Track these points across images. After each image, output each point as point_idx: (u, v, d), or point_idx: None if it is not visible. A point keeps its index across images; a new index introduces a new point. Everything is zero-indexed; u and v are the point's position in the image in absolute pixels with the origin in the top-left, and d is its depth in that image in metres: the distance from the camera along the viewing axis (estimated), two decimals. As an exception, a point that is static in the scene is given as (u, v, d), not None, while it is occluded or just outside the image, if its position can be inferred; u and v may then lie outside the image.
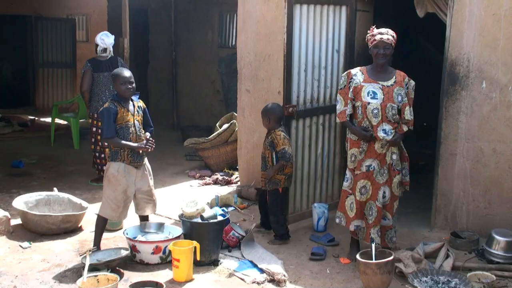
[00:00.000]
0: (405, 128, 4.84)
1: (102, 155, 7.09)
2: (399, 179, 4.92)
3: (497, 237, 5.04)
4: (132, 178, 4.98)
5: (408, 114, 4.84)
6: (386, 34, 4.81)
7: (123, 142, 4.89)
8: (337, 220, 5.10)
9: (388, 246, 4.97)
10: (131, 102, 5.01)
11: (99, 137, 6.95)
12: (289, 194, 5.74)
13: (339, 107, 4.99)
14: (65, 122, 10.08)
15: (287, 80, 5.53)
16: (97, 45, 7.16)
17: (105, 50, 7.14)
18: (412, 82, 4.92)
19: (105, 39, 7.12)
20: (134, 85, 4.97)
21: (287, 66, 5.50)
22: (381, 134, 4.77)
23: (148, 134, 5.09)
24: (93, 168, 7.40)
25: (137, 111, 5.05)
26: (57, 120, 9.97)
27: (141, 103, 5.13)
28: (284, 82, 5.52)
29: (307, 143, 5.85)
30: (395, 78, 4.86)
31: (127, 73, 4.97)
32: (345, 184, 5.03)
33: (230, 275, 4.77)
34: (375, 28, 4.90)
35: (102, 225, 5.08)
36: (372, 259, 4.34)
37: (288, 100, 5.56)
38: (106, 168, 5.03)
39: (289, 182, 5.49)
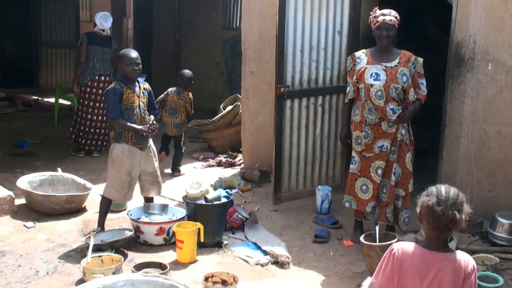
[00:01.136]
0: (410, 97, 4.82)
1: (81, 127, 7.65)
2: (412, 154, 4.93)
3: (501, 219, 5.04)
4: (136, 159, 4.98)
5: (412, 95, 4.82)
6: (389, 15, 4.77)
7: (128, 124, 4.87)
8: (347, 204, 5.08)
9: (401, 228, 4.99)
10: (137, 84, 4.99)
11: (85, 109, 7.58)
12: (283, 172, 5.90)
13: (348, 89, 5.00)
14: (69, 103, 10.06)
15: (279, 60, 5.59)
16: (95, 24, 7.59)
17: (102, 30, 7.55)
18: (420, 59, 4.89)
19: (104, 23, 7.54)
20: (140, 66, 4.95)
21: (279, 46, 5.55)
22: (390, 113, 4.76)
23: (152, 117, 5.08)
24: (69, 139, 7.81)
25: (143, 93, 5.03)
26: (61, 101, 9.97)
27: (147, 85, 5.11)
28: (276, 62, 5.57)
29: (303, 123, 5.92)
30: (400, 59, 4.83)
31: (134, 53, 4.94)
32: (353, 167, 5.02)
33: (234, 256, 4.79)
34: (378, 10, 4.87)
35: (107, 206, 5.09)
36: (376, 242, 4.35)
37: (281, 80, 5.59)
38: (110, 149, 5.03)
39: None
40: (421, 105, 4.91)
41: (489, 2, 5.27)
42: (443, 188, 2.77)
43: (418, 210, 2.80)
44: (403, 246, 2.82)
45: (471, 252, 4.76)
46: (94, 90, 7.54)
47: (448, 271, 2.72)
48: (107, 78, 7.54)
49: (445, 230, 2.73)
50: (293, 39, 5.67)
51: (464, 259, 2.77)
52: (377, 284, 2.89)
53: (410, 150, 4.91)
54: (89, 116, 7.64)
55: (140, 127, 4.91)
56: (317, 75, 5.90)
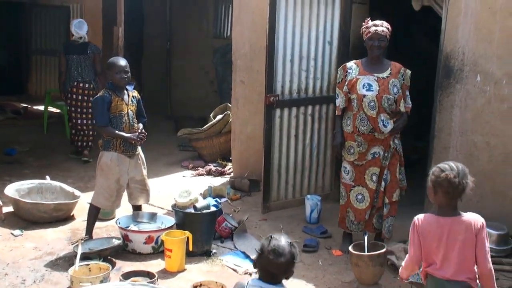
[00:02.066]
0: (402, 109, 4.86)
1: (73, 131, 7.94)
2: (402, 165, 4.96)
3: (488, 230, 5.03)
4: (125, 167, 4.96)
5: (403, 107, 4.85)
6: (381, 26, 4.81)
7: (116, 132, 4.86)
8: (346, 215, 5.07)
9: (385, 236, 5.01)
10: (125, 92, 4.98)
11: (73, 114, 7.82)
12: (272, 181, 5.92)
13: (338, 101, 4.99)
14: (58, 110, 10.03)
15: (269, 70, 5.60)
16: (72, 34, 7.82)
17: (80, 37, 7.73)
18: (408, 72, 4.94)
19: (78, 31, 7.73)
20: (129, 74, 4.94)
21: (269, 56, 5.56)
22: (381, 126, 4.78)
23: (140, 125, 5.07)
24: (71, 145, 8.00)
25: (131, 101, 5.02)
26: (50, 108, 9.92)
27: (135, 93, 5.10)
28: (266, 72, 5.59)
29: (293, 132, 5.95)
30: (391, 70, 4.87)
31: (122, 62, 4.93)
32: (346, 177, 5.02)
33: (223, 265, 4.78)
34: (370, 20, 4.90)
35: (95, 214, 5.07)
36: (364, 251, 4.35)
37: (270, 90, 5.61)
38: (99, 157, 5.01)
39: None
40: (408, 116, 4.94)
41: (478, 14, 5.31)
42: (452, 164, 3.27)
43: (430, 186, 3.24)
44: (421, 217, 3.29)
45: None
46: (74, 96, 7.80)
47: (460, 231, 3.16)
48: (86, 85, 7.75)
49: (457, 197, 3.20)
50: (283, 49, 5.70)
51: (473, 218, 3.22)
52: (412, 255, 3.30)
53: (400, 160, 4.95)
54: (78, 121, 7.84)
55: (128, 135, 4.90)
56: (307, 85, 5.92)
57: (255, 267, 2.97)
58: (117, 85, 4.91)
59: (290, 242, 2.91)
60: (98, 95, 4.95)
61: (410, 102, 4.96)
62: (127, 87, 5.00)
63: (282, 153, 5.92)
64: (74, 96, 7.79)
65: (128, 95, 5.00)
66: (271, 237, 2.90)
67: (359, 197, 4.95)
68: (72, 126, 7.99)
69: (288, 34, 5.70)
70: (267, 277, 2.89)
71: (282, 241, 2.87)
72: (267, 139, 5.75)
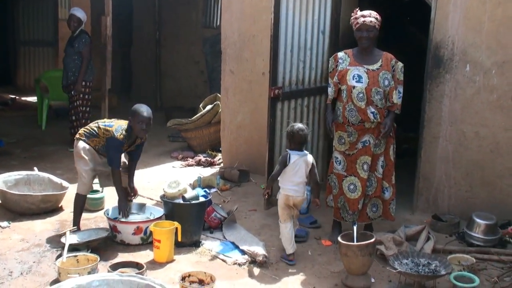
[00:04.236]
0: (395, 100, 4.83)
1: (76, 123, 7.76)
2: (394, 145, 4.96)
3: (477, 220, 5.07)
4: (97, 159, 5.02)
5: (396, 97, 4.82)
6: (369, 17, 4.76)
7: (117, 186, 4.92)
8: (339, 205, 5.06)
9: (392, 218, 5.06)
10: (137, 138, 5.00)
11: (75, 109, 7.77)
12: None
13: (330, 90, 4.97)
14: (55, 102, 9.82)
15: (273, 61, 5.39)
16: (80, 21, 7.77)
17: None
18: (400, 64, 4.87)
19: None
20: (150, 126, 4.89)
21: (273, 47, 5.36)
22: (371, 116, 4.77)
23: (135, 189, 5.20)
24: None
25: (136, 146, 5.06)
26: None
27: (142, 140, 5.08)
28: (270, 64, 5.38)
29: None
30: (382, 61, 4.82)
31: (147, 114, 4.83)
32: (338, 167, 5.01)
33: (212, 256, 4.76)
34: (359, 11, 4.85)
35: (81, 204, 5.04)
36: (353, 241, 4.35)
37: (274, 82, 5.48)
38: (75, 145, 5.00)
39: None
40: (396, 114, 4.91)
41: (467, 4, 5.30)
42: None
43: None
44: None
45: (448, 252, 4.80)
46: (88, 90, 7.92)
47: None
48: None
49: None
50: (284, 39, 5.50)
51: None
52: None
53: (393, 142, 4.94)
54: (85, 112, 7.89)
55: (121, 198, 4.97)
56: (303, 76, 5.79)
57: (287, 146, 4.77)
58: (134, 134, 4.89)
59: (305, 123, 5.04)
60: (117, 137, 4.81)
61: (400, 100, 4.84)
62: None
63: (281, 147, 5.78)
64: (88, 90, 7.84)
65: (135, 142, 5.00)
66: (292, 124, 4.73)
67: (351, 187, 4.94)
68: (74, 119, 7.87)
69: (289, 24, 5.51)
70: (298, 147, 4.64)
71: (300, 124, 4.73)
72: (271, 134, 5.53)
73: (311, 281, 4.39)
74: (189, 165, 7.50)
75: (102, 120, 5.09)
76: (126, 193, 5.14)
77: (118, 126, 4.86)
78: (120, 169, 4.97)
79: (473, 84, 5.38)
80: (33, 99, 10.60)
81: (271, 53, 5.37)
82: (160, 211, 5.12)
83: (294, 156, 4.60)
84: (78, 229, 4.94)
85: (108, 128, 4.85)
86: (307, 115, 5.94)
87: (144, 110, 4.82)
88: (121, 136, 4.81)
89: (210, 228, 5.24)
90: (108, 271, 4.15)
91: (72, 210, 5.15)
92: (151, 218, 5.03)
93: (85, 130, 4.99)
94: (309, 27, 5.76)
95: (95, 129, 4.93)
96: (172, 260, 4.63)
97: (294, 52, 5.65)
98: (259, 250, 4.73)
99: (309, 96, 5.91)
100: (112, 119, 5.06)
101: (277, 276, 4.47)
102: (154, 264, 4.56)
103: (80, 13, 7.81)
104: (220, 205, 5.56)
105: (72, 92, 7.75)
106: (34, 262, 4.53)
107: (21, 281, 4.21)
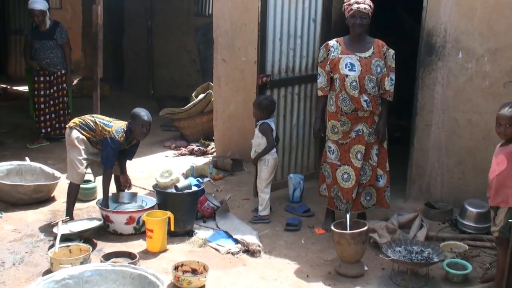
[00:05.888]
0: (387, 87, 4.83)
1: (42, 118, 7.59)
2: (386, 132, 4.96)
3: (469, 208, 5.08)
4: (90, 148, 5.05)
5: (388, 84, 4.80)
6: (363, 4, 4.74)
7: (105, 187, 4.97)
8: (332, 194, 5.05)
9: (388, 206, 5.08)
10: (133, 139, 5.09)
11: (36, 99, 7.61)
12: None
13: (321, 80, 4.94)
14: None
15: (261, 49, 5.42)
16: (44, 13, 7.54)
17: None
18: (391, 51, 4.86)
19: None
20: (149, 130, 5.01)
21: (261, 35, 5.39)
22: (364, 104, 4.75)
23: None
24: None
25: (131, 147, 5.16)
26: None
27: (139, 140, 5.17)
28: (258, 52, 5.42)
29: (281, 113, 5.78)
30: (373, 48, 4.80)
31: (147, 118, 4.95)
32: (331, 156, 4.99)
33: (205, 245, 4.76)
34: (352, -3, 4.82)
35: (75, 194, 5.04)
36: (346, 230, 4.35)
37: (263, 70, 5.47)
38: (67, 134, 5.01)
39: None
40: (389, 102, 4.91)
41: (460, -10, 5.28)
42: None
43: (503, 123, 3.80)
44: (498, 146, 3.96)
45: (441, 240, 4.81)
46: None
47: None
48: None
49: None
50: (273, 27, 5.50)
51: None
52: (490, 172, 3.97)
53: (386, 130, 4.93)
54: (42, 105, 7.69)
55: (105, 202, 4.98)
56: (294, 64, 5.77)
57: (257, 116, 5.26)
58: (133, 136, 4.99)
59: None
60: (118, 139, 4.87)
61: (392, 87, 4.83)
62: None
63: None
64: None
65: (131, 142, 5.10)
66: (263, 97, 5.29)
67: (345, 176, 4.93)
68: (37, 114, 7.72)
69: (277, 12, 5.51)
70: (269, 115, 5.21)
71: (270, 96, 5.43)
72: None
73: (305, 269, 4.40)
74: (181, 155, 7.48)
75: (100, 118, 5.08)
76: (119, 182, 5.24)
77: (118, 127, 4.91)
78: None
79: (466, 71, 5.37)
80: (24, 88, 10.50)
81: (259, 41, 5.39)
82: (152, 201, 5.11)
83: (272, 123, 5.23)
84: (72, 219, 4.92)
85: (107, 128, 4.91)
86: (298, 103, 5.92)
87: (145, 114, 4.96)
88: (122, 138, 4.88)
89: (203, 217, 5.24)
90: (101, 261, 4.13)
91: (65, 200, 5.13)
92: (144, 207, 5.02)
93: (81, 120, 4.99)
94: (299, 15, 5.73)
95: (91, 123, 4.96)
96: (165, 250, 4.63)
97: (283, 40, 5.62)
98: (252, 239, 4.73)
99: (299, 84, 5.89)
100: (110, 119, 5.08)
101: (270, 265, 4.47)
102: (147, 254, 4.56)
103: (39, 5, 7.51)
104: (213, 194, 5.56)
105: (64, 85, 7.66)
106: (26, 252, 4.52)
107: (13, 271, 4.20)
